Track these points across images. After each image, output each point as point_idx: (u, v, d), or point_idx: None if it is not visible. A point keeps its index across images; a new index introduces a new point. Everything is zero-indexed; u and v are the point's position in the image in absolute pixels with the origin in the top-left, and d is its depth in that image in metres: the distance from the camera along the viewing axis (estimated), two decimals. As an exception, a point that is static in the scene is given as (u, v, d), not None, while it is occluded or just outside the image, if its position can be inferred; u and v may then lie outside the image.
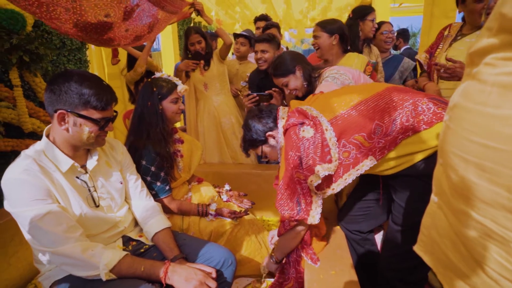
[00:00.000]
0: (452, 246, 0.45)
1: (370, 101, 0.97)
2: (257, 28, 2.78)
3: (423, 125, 0.90)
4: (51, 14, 1.15)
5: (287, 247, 1.16)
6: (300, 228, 1.08)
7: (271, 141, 1.15)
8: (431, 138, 0.90)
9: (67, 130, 0.88)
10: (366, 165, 0.94)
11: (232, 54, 3.09)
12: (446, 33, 1.60)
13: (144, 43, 2.14)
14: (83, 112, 0.87)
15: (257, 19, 2.84)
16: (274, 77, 1.49)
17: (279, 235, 1.13)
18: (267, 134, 1.14)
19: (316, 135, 0.95)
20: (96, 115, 0.89)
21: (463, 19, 1.58)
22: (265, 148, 1.18)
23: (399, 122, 0.92)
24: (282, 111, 1.15)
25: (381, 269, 1.13)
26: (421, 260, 0.54)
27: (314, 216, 0.99)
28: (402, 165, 0.95)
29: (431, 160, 0.91)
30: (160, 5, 1.51)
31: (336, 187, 0.97)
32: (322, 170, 0.92)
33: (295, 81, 1.46)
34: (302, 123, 0.99)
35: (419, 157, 0.92)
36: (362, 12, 1.94)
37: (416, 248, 0.56)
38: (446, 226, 0.46)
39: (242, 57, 2.54)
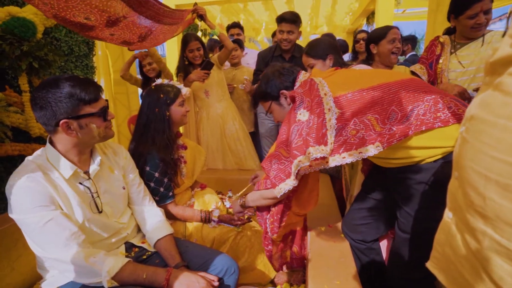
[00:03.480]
0: (469, 267, 0.42)
1: (393, 86, 0.94)
2: (231, 35, 2.87)
3: (438, 123, 0.88)
4: None
5: (256, 202, 1.20)
6: (268, 194, 1.10)
7: (282, 100, 1.15)
8: (443, 138, 0.88)
9: (76, 136, 0.89)
10: (370, 150, 0.89)
11: None
12: (442, 41, 1.63)
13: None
14: (82, 112, 0.87)
15: (230, 27, 2.91)
16: (305, 55, 1.50)
17: (257, 189, 1.16)
18: (281, 91, 1.14)
19: (311, 117, 0.94)
20: (93, 108, 0.89)
21: (451, 30, 1.63)
22: (274, 105, 1.18)
23: (415, 113, 0.90)
24: (303, 75, 1.15)
25: (389, 278, 1.11)
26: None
27: (279, 191, 1.02)
28: (408, 159, 0.92)
29: (440, 165, 0.89)
30: (156, 19, 1.53)
31: (331, 162, 0.94)
32: (315, 152, 0.90)
33: (321, 67, 1.47)
34: (302, 102, 0.99)
35: (427, 155, 0.89)
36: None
37: (429, 265, 0.53)
38: (462, 245, 0.43)
39: (237, 63, 2.62)
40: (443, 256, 0.49)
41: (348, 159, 0.91)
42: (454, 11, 1.52)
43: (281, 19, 2.07)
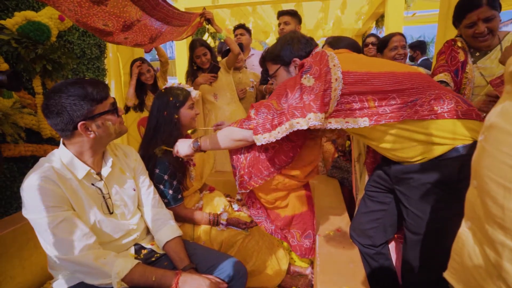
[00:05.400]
0: (489, 278, 0.41)
1: (399, 76, 0.95)
2: (236, 36, 2.90)
3: (432, 115, 0.88)
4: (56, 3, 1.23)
5: (221, 142, 1.10)
6: (241, 135, 1.03)
7: (292, 68, 1.14)
8: (438, 130, 0.88)
9: (94, 136, 0.91)
10: (357, 122, 0.92)
11: None
12: (461, 45, 1.47)
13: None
14: (96, 111, 0.90)
15: (236, 28, 2.95)
16: (327, 44, 1.50)
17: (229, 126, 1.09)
18: (294, 59, 1.13)
19: (317, 84, 0.93)
20: (105, 106, 0.92)
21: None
22: (282, 70, 1.16)
23: (413, 103, 0.91)
24: (316, 50, 1.14)
25: (404, 281, 1.09)
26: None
27: (260, 140, 0.98)
28: (401, 149, 0.93)
29: (443, 163, 0.88)
30: (166, 20, 1.60)
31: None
32: (315, 119, 0.89)
33: None
34: (310, 67, 0.98)
35: (417, 149, 0.90)
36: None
37: (447, 275, 0.52)
38: (481, 256, 0.43)
39: (241, 67, 2.66)
40: (461, 266, 0.48)
41: (334, 125, 0.93)
42: (455, 20, 1.45)
43: (278, 14, 2.30)
